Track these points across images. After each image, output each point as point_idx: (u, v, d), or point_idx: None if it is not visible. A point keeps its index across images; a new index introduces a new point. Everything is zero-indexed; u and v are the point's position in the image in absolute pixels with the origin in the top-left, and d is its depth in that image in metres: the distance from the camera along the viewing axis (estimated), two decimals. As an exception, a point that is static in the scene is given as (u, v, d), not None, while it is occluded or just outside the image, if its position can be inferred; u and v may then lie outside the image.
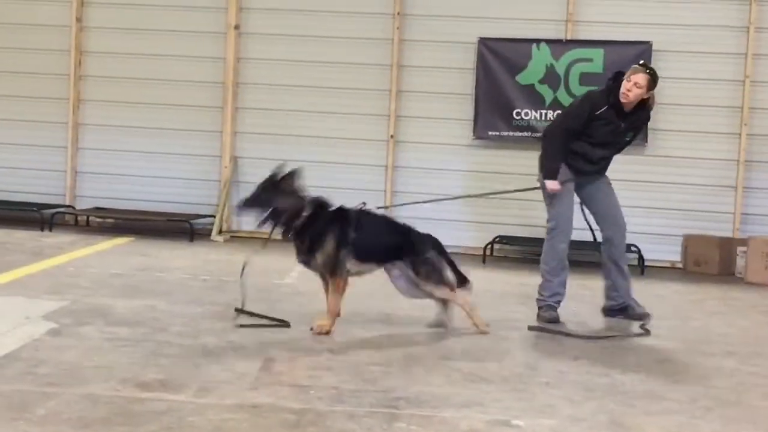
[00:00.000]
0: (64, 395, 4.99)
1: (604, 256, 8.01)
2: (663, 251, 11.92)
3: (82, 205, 12.70)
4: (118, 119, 12.64)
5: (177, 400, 5.02)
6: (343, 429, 4.70)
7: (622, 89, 7.66)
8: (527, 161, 11.84)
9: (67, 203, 12.68)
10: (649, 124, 11.66)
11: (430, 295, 7.23)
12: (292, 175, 6.90)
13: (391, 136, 12.26)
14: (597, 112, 7.72)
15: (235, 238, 12.14)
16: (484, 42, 11.97)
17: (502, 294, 8.51)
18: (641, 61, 8.08)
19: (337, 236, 6.89)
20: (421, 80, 12.24)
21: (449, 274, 7.17)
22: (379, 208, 7.61)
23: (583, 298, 8.63)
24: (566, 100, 11.83)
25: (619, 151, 8.09)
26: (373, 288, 8.31)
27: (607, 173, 8.10)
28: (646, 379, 6.05)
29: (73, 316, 6.96)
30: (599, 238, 8.06)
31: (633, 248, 11.65)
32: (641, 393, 5.69)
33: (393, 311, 7.83)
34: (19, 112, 12.74)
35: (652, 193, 11.95)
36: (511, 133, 11.98)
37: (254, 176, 12.13)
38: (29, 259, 9.50)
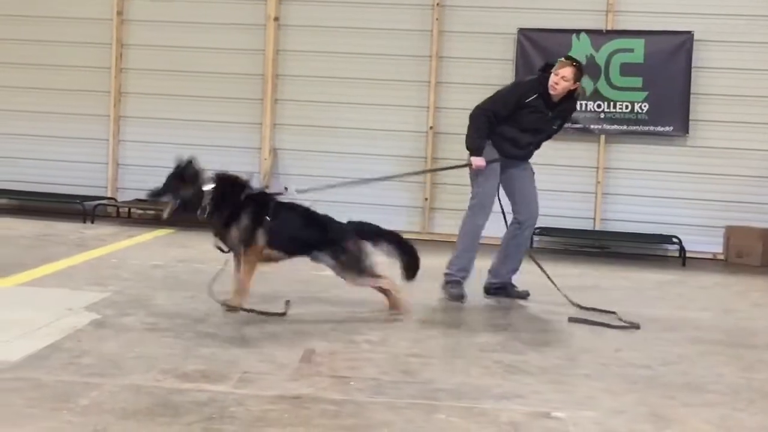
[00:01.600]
0: (107, 386, 5.03)
1: (509, 236, 8.25)
2: (705, 243, 11.81)
3: (123, 197, 12.80)
4: (159, 112, 12.71)
5: (218, 390, 5.05)
6: (383, 420, 4.71)
7: (551, 82, 7.98)
8: (567, 152, 11.87)
9: (109, 195, 12.78)
10: (690, 114, 11.73)
11: (358, 284, 7.36)
12: (190, 162, 7.16)
13: (431, 128, 12.24)
14: (526, 101, 8.01)
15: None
16: (523, 32, 11.92)
17: (542, 286, 8.45)
18: (568, 54, 8.31)
19: (252, 215, 7.10)
20: (461, 71, 12.21)
21: (370, 262, 7.27)
22: (299, 191, 7.81)
23: (622, 290, 8.59)
24: (607, 91, 11.79)
25: (546, 138, 8.35)
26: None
27: (530, 161, 8.33)
28: (687, 371, 6.02)
29: (115, 307, 7.02)
30: (509, 221, 8.29)
31: (674, 239, 11.58)
32: (682, 385, 5.65)
33: (432, 303, 7.84)
34: (61, 105, 12.84)
35: (694, 184, 11.85)
36: (550, 124, 11.93)
37: (293, 168, 12.28)
38: (72, 250, 9.59)
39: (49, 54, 12.83)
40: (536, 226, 8.44)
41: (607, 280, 9.66)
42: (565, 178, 11.92)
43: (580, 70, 8.04)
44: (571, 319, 7.41)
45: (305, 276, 8.31)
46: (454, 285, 8.04)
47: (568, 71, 7.94)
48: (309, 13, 12.46)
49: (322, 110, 12.42)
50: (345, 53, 12.38)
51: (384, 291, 7.36)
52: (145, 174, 12.64)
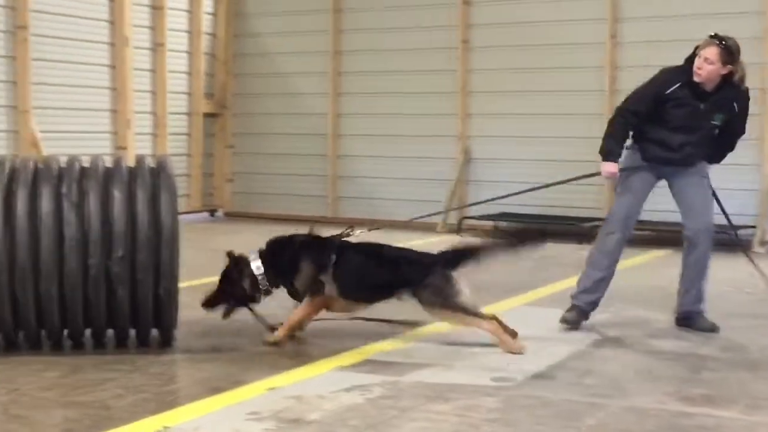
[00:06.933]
0: (611, 407, 5.09)
1: (683, 256, 7.03)
2: None
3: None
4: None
5: (725, 416, 4.94)
6: None
7: (694, 66, 6.62)
8: None
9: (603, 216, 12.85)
10: None
11: (449, 320, 6.48)
12: (229, 255, 6.55)
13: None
14: (667, 92, 6.72)
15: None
16: None
17: None
18: (713, 33, 6.70)
19: (313, 260, 6.40)
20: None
21: (459, 300, 6.27)
22: (370, 229, 6.89)
23: None
24: None
25: (709, 137, 6.86)
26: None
27: (706, 165, 6.98)
28: None
29: (615, 327, 7.09)
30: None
31: None
32: None
33: None
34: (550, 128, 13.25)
35: None
36: None
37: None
38: (569, 271, 9.72)
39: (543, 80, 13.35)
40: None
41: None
42: None
43: (727, 50, 6.60)
44: None
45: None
46: (570, 308, 7.09)
47: (712, 52, 6.59)
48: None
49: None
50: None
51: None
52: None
